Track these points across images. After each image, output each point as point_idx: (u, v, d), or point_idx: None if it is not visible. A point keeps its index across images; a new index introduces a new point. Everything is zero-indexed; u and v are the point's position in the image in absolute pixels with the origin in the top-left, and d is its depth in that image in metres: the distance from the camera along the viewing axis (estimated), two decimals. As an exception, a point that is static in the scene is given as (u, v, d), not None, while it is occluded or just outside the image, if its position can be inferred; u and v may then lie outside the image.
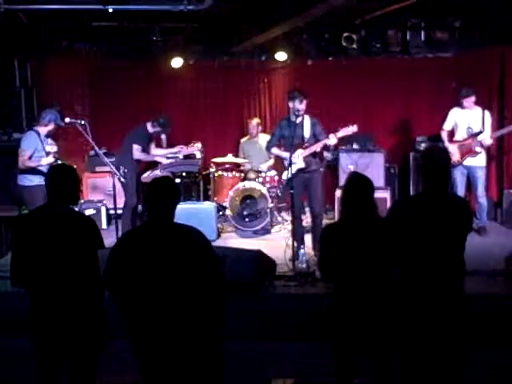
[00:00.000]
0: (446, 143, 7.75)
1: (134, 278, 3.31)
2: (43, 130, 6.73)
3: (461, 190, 7.52)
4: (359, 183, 3.75)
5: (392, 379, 3.70)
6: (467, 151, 7.59)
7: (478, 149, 7.55)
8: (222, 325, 3.52)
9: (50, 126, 6.73)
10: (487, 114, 7.67)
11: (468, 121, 7.66)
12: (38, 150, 6.64)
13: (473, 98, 7.59)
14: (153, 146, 8.12)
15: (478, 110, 7.67)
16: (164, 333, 3.29)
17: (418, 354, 3.70)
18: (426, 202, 3.69)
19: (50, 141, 6.77)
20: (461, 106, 7.68)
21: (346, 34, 8.42)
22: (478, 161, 7.62)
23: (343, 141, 7.71)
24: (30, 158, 6.59)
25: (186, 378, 3.38)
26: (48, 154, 6.68)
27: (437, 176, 3.71)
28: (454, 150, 7.53)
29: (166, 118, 7.69)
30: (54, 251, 3.60)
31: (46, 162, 6.59)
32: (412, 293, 3.66)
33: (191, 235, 3.39)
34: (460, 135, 7.73)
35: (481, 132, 7.55)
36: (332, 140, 6.56)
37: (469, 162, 7.61)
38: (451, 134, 7.85)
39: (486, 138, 7.56)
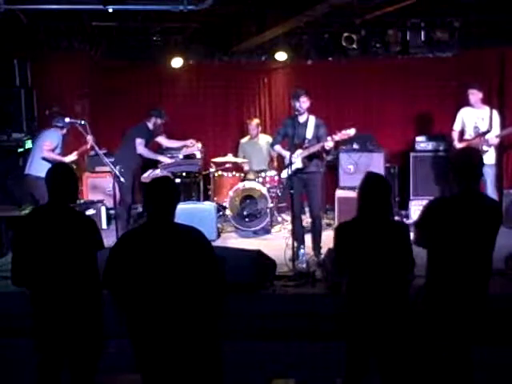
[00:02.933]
0: (455, 143, 7.84)
1: (133, 278, 3.31)
2: (61, 133, 7.21)
3: None
4: (373, 184, 3.74)
5: (401, 379, 3.71)
6: None
7: (485, 148, 7.59)
8: (220, 324, 3.52)
9: (64, 131, 7.22)
10: (495, 113, 7.73)
11: (475, 120, 7.75)
12: (59, 147, 7.12)
13: (479, 95, 7.66)
14: (163, 137, 8.28)
15: (486, 109, 7.75)
16: (163, 332, 3.29)
17: (438, 352, 3.73)
18: (464, 204, 3.69)
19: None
20: (467, 103, 7.75)
21: (346, 34, 8.42)
22: (487, 159, 7.61)
23: (343, 141, 7.70)
24: (53, 150, 7.04)
25: (186, 377, 3.38)
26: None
27: (474, 176, 3.73)
28: None
29: (156, 108, 7.94)
30: (54, 251, 3.61)
31: (69, 159, 7.13)
32: (441, 292, 3.68)
33: (191, 235, 3.39)
34: (468, 134, 7.83)
35: (488, 131, 7.63)
36: (329, 143, 6.51)
37: None
38: (461, 133, 7.90)
39: (492, 137, 7.61)
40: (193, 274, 3.29)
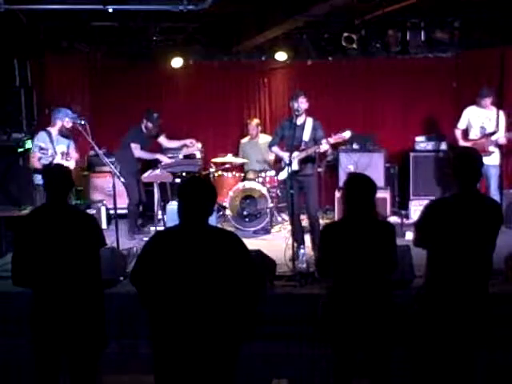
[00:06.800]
0: (460, 142, 7.86)
1: (164, 278, 3.22)
2: (52, 130, 6.87)
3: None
4: (357, 184, 3.76)
5: (388, 379, 3.71)
6: (480, 150, 7.62)
7: (491, 148, 7.66)
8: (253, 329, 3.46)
9: (58, 125, 6.87)
10: (502, 114, 7.78)
11: (482, 120, 7.80)
12: (46, 149, 6.67)
13: (491, 99, 7.74)
14: (163, 137, 8.34)
15: (494, 110, 7.80)
16: (189, 334, 3.20)
17: (437, 353, 3.73)
18: (464, 204, 3.68)
19: (64, 141, 6.90)
20: (477, 104, 7.80)
21: (345, 34, 8.40)
22: (492, 159, 7.70)
23: (341, 142, 7.70)
24: (39, 159, 6.61)
25: (200, 379, 3.30)
26: (61, 154, 6.81)
27: (474, 177, 3.73)
28: None
29: (149, 110, 7.94)
30: (57, 249, 3.62)
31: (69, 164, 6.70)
32: (441, 292, 3.68)
33: (228, 238, 3.33)
34: (474, 134, 7.85)
35: (495, 132, 7.67)
36: (324, 146, 6.51)
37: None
38: (465, 132, 7.92)
39: (501, 138, 7.66)
40: (227, 277, 3.22)
